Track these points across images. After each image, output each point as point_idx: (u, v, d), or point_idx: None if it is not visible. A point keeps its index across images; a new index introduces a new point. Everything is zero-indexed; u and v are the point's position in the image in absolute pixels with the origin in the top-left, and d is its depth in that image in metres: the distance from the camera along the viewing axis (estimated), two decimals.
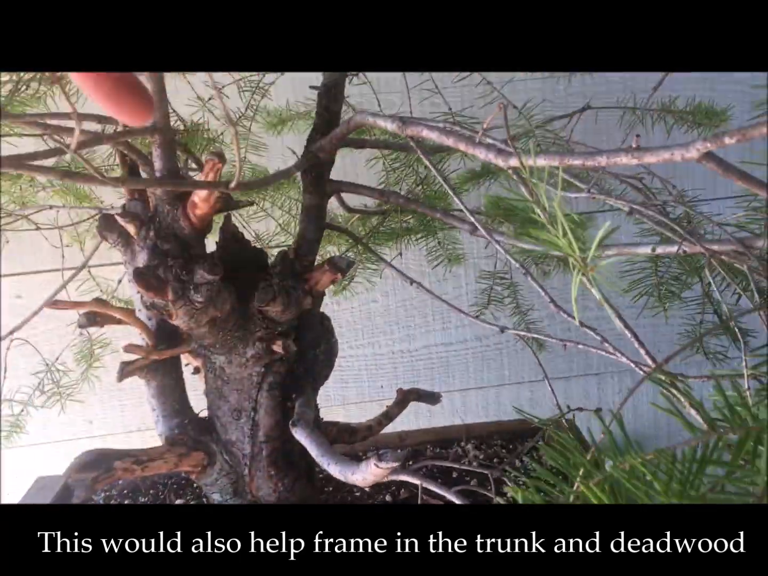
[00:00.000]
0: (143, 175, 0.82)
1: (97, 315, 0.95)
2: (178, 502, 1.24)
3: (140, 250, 0.79)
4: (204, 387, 0.96)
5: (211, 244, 0.89)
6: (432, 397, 1.33)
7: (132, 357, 0.85)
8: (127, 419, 1.72)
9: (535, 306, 1.42)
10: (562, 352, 1.81)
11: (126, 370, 0.83)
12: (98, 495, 1.28)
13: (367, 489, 1.17)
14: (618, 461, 0.43)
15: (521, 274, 1.37)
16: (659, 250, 0.61)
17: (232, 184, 0.61)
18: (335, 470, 0.70)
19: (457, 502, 0.65)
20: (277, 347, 0.82)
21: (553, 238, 0.42)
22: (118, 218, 0.79)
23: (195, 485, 1.28)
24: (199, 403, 0.97)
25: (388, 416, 1.19)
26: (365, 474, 0.65)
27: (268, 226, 1.34)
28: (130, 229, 0.79)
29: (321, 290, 0.82)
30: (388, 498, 1.21)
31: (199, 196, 0.75)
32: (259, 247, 0.86)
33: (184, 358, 0.93)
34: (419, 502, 0.69)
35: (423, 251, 1.32)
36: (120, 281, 1.16)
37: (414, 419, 1.76)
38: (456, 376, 1.84)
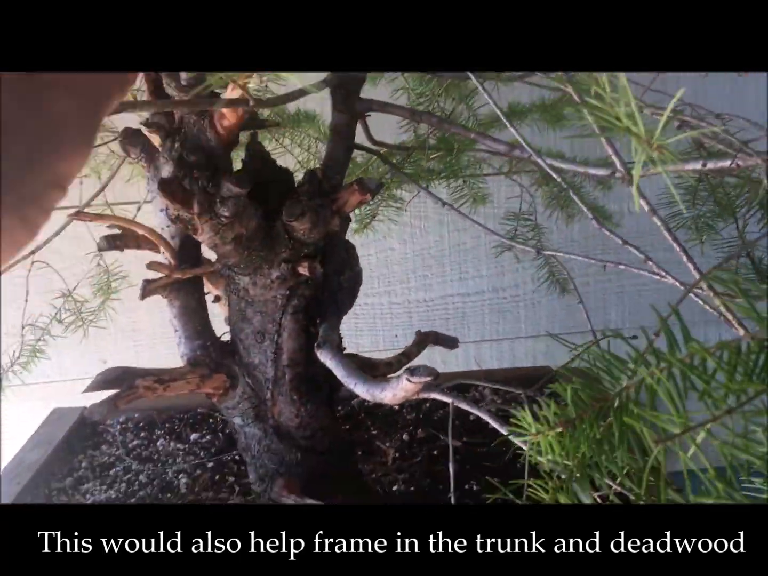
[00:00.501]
0: (168, 91, 0.79)
1: (116, 238, 0.92)
2: (194, 436, 1.23)
3: (165, 162, 0.76)
4: (224, 315, 0.94)
5: (236, 164, 0.86)
6: (450, 341, 1.32)
7: (155, 276, 0.83)
8: (141, 360, 1.71)
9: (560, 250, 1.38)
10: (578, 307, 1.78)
11: (148, 288, 0.80)
12: (115, 427, 1.27)
13: (390, 408, 1.16)
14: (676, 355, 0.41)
15: (547, 217, 1.35)
16: (710, 164, 0.58)
17: (253, 103, 0.58)
18: (362, 389, 0.68)
19: (489, 419, 0.63)
20: (303, 269, 0.80)
21: (614, 115, 0.39)
22: (142, 128, 0.76)
23: (211, 420, 1.28)
24: (220, 331, 0.95)
25: (407, 356, 1.17)
26: (395, 390, 0.63)
27: (287, 162, 1.31)
28: (155, 140, 0.76)
29: (348, 211, 0.79)
30: (405, 437, 1.19)
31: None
32: (285, 167, 0.83)
33: (205, 287, 0.91)
34: (450, 422, 0.67)
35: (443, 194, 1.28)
36: (139, 208, 1.13)
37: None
38: (471, 327, 1.82)
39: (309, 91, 0.63)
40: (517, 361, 1.86)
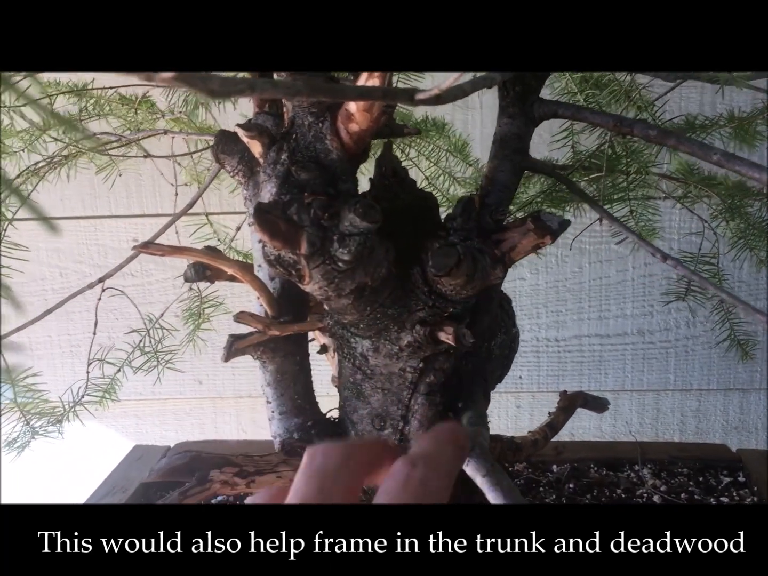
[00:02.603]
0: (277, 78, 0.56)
1: (207, 267, 0.71)
2: None
3: (267, 179, 0.53)
4: (332, 374, 0.71)
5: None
6: (599, 404, 1.05)
7: (246, 329, 0.60)
8: (239, 383, 1.52)
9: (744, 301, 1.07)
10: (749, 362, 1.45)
11: (236, 347, 0.58)
12: None
13: None
14: None
15: (730, 261, 1.04)
16: None
17: (422, 95, 0.33)
18: None
19: None
20: (446, 335, 0.55)
21: None
22: (240, 133, 0.53)
23: None
24: (324, 399, 0.72)
25: (554, 428, 0.91)
26: None
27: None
28: (255, 148, 0.53)
29: (517, 259, 0.54)
30: None
31: (357, 105, 0.48)
32: (428, 191, 0.58)
33: (311, 335, 0.68)
34: None
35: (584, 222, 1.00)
36: (239, 228, 0.92)
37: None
38: (609, 373, 1.52)
39: (489, 85, 0.38)
40: (661, 416, 1.54)
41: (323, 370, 0.83)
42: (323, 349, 0.78)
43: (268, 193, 0.53)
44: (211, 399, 1.52)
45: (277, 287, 0.60)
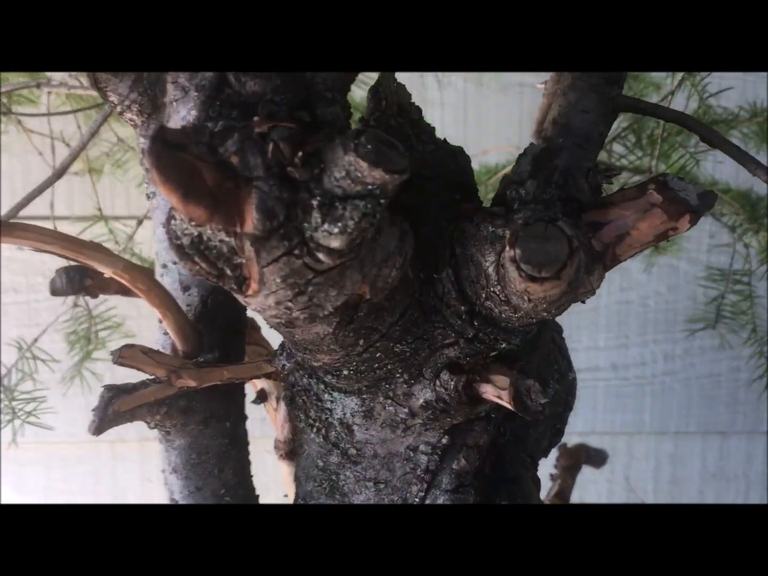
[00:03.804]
0: None
1: (85, 273, 0.47)
2: None
3: (182, 96, 0.27)
4: (276, 438, 0.44)
5: None
6: (599, 458, 0.87)
7: (136, 376, 0.34)
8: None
9: None
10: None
11: (117, 408, 0.31)
12: None
13: None
14: None
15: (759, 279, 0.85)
16: None
17: None
18: None
19: None
20: (494, 391, 0.31)
21: None
22: None
23: None
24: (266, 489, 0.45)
25: (564, 497, 0.68)
26: None
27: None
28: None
29: (624, 257, 0.30)
30: None
31: None
32: (456, 145, 0.34)
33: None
34: None
35: None
36: (141, 221, 0.64)
37: None
38: (579, 414, 1.33)
39: None
40: (634, 462, 1.37)
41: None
42: (260, 397, 0.52)
43: (182, 122, 0.27)
44: (110, 442, 1.21)
45: (194, 303, 0.35)
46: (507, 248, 0.25)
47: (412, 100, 0.35)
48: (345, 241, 0.25)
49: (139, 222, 0.63)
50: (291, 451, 0.37)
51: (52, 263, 0.53)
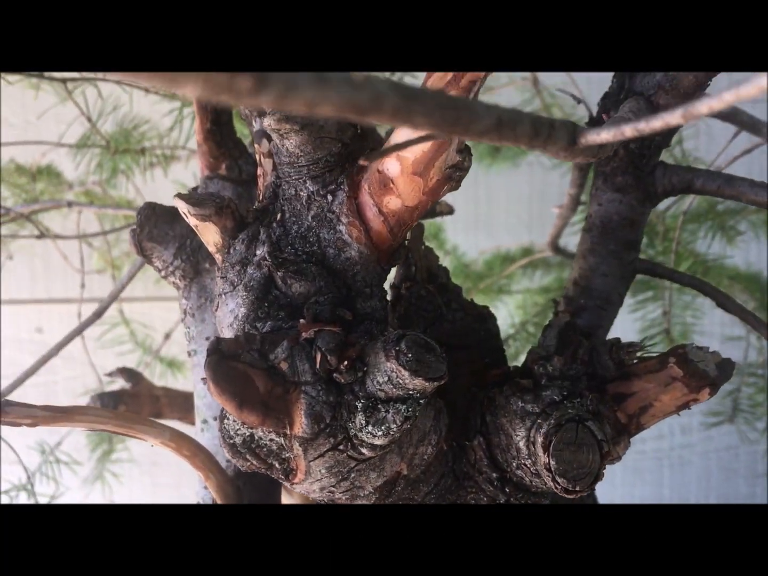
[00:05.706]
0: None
1: (121, 395, 0.48)
2: None
3: (230, 290, 0.29)
4: None
5: None
6: None
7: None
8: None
9: None
10: None
11: None
12: None
13: None
14: None
15: None
16: None
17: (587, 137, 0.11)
18: None
19: None
20: None
21: None
22: (182, 208, 0.30)
23: None
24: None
25: None
26: None
27: None
28: (209, 235, 0.30)
29: (647, 425, 0.31)
30: None
31: (403, 163, 0.26)
32: (482, 305, 0.36)
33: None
34: None
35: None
36: (168, 335, 0.66)
37: None
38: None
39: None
40: None
41: None
42: None
43: (231, 314, 0.29)
44: None
45: (231, 472, 0.36)
46: (541, 454, 0.26)
47: (439, 262, 0.37)
48: (388, 440, 0.27)
49: (167, 336, 0.65)
50: None
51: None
